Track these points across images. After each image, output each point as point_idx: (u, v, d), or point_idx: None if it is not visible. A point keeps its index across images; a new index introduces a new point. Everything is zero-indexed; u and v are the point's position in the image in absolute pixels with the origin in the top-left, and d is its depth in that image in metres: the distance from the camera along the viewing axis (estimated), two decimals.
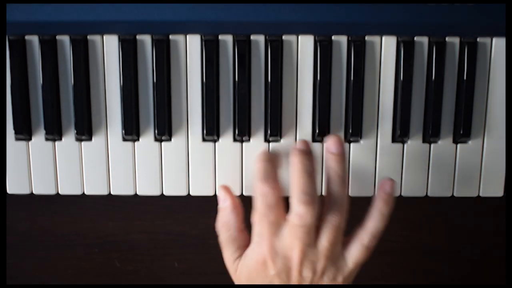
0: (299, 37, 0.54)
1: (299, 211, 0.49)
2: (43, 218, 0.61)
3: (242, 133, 0.55)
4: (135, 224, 0.62)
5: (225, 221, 0.54)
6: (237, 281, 0.54)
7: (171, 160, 0.56)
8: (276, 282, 0.51)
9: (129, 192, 0.56)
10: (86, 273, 0.62)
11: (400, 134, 0.55)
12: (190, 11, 0.52)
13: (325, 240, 0.51)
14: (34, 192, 0.56)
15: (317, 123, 0.55)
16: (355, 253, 0.52)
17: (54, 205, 0.61)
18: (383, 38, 0.54)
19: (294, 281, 0.51)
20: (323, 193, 0.54)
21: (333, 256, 0.51)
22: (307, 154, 0.52)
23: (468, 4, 0.52)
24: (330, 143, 0.52)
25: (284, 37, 0.54)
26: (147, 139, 0.55)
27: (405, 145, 0.56)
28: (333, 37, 0.54)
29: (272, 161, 0.52)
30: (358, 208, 0.60)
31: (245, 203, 0.57)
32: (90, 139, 0.55)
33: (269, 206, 0.50)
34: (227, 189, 0.55)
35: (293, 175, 0.51)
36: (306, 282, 0.51)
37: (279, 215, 0.51)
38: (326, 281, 0.51)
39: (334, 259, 0.51)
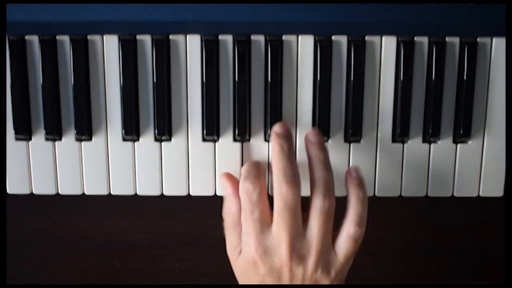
0: (299, 37, 0.54)
1: (280, 191, 0.49)
2: (43, 218, 0.61)
3: (242, 133, 0.55)
4: (135, 224, 0.62)
5: (228, 207, 0.54)
6: (234, 270, 0.54)
7: (171, 160, 0.56)
8: (268, 279, 0.50)
9: (129, 192, 0.56)
10: (86, 273, 0.62)
11: (400, 134, 0.55)
12: (190, 11, 0.52)
13: (314, 226, 0.50)
14: (34, 192, 0.56)
15: (317, 123, 0.55)
16: (343, 245, 0.51)
17: (54, 205, 0.61)
18: (383, 38, 0.54)
19: (285, 278, 0.50)
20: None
21: (323, 250, 0.50)
22: (285, 136, 0.52)
23: (468, 4, 0.52)
24: (310, 134, 0.53)
25: (284, 37, 0.54)
26: (147, 139, 0.55)
27: (405, 145, 0.56)
28: (333, 37, 0.54)
29: (257, 163, 0.53)
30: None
31: None
32: (90, 139, 0.55)
33: (252, 203, 0.50)
34: (228, 176, 0.54)
35: (272, 159, 0.51)
36: (298, 278, 0.50)
37: (264, 213, 0.50)
38: (318, 276, 0.50)
39: (324, 253, 0.50)
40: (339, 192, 0.55)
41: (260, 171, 0.52)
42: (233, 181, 0.54)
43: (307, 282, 0.50)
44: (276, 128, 0.53)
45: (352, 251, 0.51)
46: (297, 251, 0.50)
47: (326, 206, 0.50)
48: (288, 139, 0.52)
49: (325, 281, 0.50)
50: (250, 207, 0.50)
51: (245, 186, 0.51)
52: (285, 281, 0.50)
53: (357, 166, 0.53)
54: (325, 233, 0.50)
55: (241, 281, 0.53)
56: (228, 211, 0.54)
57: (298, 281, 0.50)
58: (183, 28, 0.54)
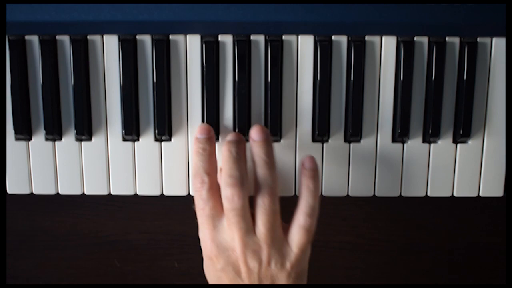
0: (299, 37, 0.54)
1: (226, 194, 0.50)
2: (43, 218, 0.61)
3: (242, 133, 0.55)
4: (135, 224, 0.62)
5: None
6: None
7: (171, 160, 0.56)
8: (224, 276, 0.51)
9: (129, 192, 0.56)
10: (86, 273, 0.62)
11: (400, 134, 0.55)
12: (190, 11, 0.52)
13: (260, 224, 0.51)
14: (34, 192, 0.56)
15: (317, 123, 0.55)
16: (295, 236, 0.51)
17: (54, 205, 0.61)
18: (383, 38, 0.54)
19: (243, 273, 0.51)
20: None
21: (274, 242, 0.51)
22: (236, 142, 0.52)
23: (468, 4, 0.52)
24: (252, 132, 0.53)
25: (284, 37, 0.54)
26: (147, 139, 0.55)
27: (405, 145, 0.56)
28: (333, 37, 0.54)
29: (205, 153, 0.52)
30: (357, 208, 0.61)
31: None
32: (90, 139, 0.55)
33: (203, 199, 0.51)
34: None
35: (221, 163, 0.52)
36: (255, 272, 0.51)
37: (215, 207, 0.51)
38: (273, 269, 0.51)
39: (276, 245, 0.51)
40: (339, 192, 0.55)
41: (211, 164, 0.52)
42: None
43: (263, 276, 0.51)
44: (229, 136, 0.53)
45: (305, 242, 0.51)
46: (249, 246, 0.50)
47: (267, 203, 0.51)
48: (238, 144, 0.52)
49: (282, 274, 0.51)
50: (201, 204, 0.51)
51: (194, 185, 0.52)
52: (243, 276, 0.51)
53: (311, 156, 0.53)
54: (272, 229, 0.51)
55: (208, 280, 0.54)
56: None
57: (254, 276, 0.51)
58: (183, 28, 0.54)
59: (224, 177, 0.50)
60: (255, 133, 0.52)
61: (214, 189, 0.52)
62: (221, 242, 0.51)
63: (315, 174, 0.52)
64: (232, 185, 0.50)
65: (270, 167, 0.52)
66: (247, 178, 0.51)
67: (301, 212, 0.52)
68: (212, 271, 0.52)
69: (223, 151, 0.52)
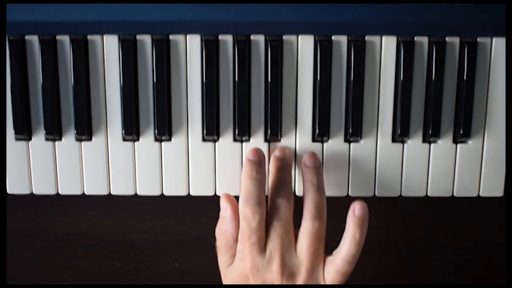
0: (299, 37, 0.54)
1: (275, 205, 0.52)
2: (43, 218, 0.61)
3: (242, 133, 0.55)
4: (135, 224, 0.62)
5: (224, 229, 0.54)
6: (224, 281, 0.55)
7: (171, 160, 0.56)
8: None
9: (129, 192, 0.56)
10: (86, 273, 0.62)
11: (400, 134, 0.55)
12: (190, 11, 0.52)
13: (304, 247, 0.51)
14: (34, 192, 0.56)
15: (317, 123, 0.55)
16: (330, 275, 0.52)
17: (54, 205, 0.61)
18: (383, 38, 0.54)
19: None
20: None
21: (313, 269, 0.51)
22: (282, 159, 0.54)
23: (468, 4, 0.52)
24: (305, 158, 0.54)
25: (284, 37, 0.54)
26: (147, 139, 0.55)
27: (405, 145, 0.56)
28: (333, 37, 0.54)
29: (258, 178, 0.52)
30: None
31: None
32: (90, 139, 0.55)
33: (251, 228, 0.51)
34: (228, 197, 0.55)
35: (270, 177, 0.54)
36: None
37: (261, 238, 0.51)
38: None
39: (314, 273, 0.51)
40: (339, 192, 0.56)
41: (263, 191, 0.52)
42: (233, 204, 0.54)
43: None
44: (276, 152, 0.55)
45: (339, 282, 0.52)
46: (287, 268, 0.51)
47: (315, 228, 0.51)
48: (284, 161, 0.54)
49: None
50: (248, 232, 0.51)
51: (245, 213, 0.51)
52: None
53: (364, 203, 0.53)
54: (315, 253, 0.51)
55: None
56: (222, 231, 0.54)
57: None
58: (183, 28, 0.54)
59: (273, 191, 0.52)
60: (308, 160, 0.54)
61: (264, 220, 0.51)
62: (261, 265, 0.51)
63: (364, 221, 0.52)
64: (282, 198, 0.52)
65: (321, 192, 0.53)
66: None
67: (341, 258, 0.52)
68: (242, 282, 0.52)
69: (271, 168, 0.54)
